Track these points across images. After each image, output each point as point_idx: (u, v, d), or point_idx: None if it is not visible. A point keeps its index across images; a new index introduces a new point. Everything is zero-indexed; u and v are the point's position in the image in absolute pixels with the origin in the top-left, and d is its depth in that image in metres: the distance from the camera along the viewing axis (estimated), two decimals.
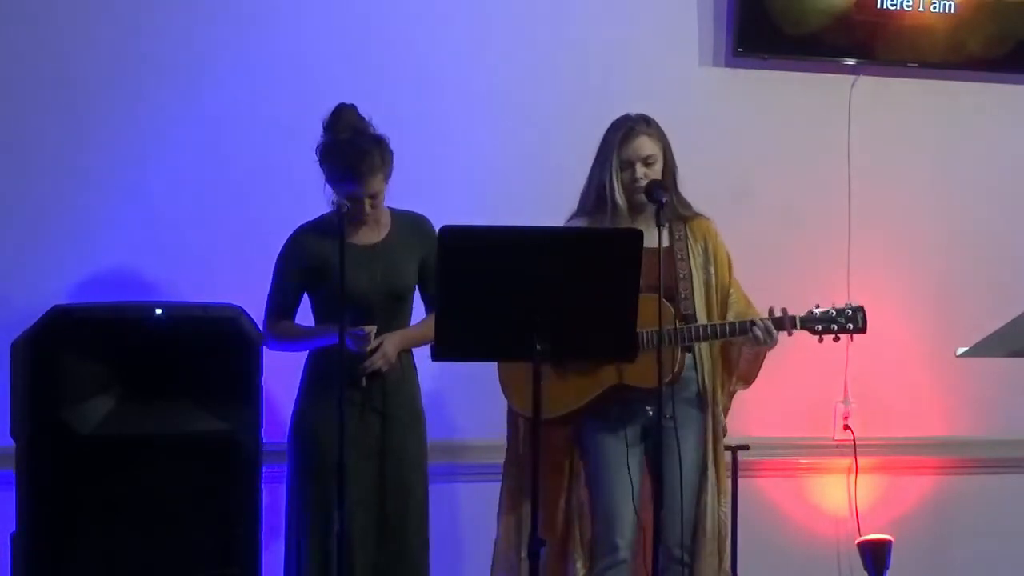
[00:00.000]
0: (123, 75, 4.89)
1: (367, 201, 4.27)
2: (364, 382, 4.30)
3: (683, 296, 4.37)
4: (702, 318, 4.37)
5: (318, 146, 4.30)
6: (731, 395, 4.51)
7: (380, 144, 4.29)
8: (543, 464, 4.33)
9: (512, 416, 4.48)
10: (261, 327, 4.35)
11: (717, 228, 4.49)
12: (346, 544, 4.13)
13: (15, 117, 4.83)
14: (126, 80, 4.89)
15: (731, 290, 4.45)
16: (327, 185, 4.30)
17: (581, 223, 4.41)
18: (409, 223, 4.44)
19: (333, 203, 4.18)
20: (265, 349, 4.34)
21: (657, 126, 4.42)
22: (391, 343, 4.31)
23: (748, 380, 4.49)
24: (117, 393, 4.12)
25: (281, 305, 4.39)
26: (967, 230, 5.53)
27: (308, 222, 4.40)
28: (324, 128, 4.31)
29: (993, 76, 5.51)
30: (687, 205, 4.47)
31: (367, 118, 4.32)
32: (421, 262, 4.40)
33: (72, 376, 4.06)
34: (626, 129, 4.39)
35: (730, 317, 4.39)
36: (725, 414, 4.49)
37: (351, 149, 4.24)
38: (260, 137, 4.91)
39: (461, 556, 5.05)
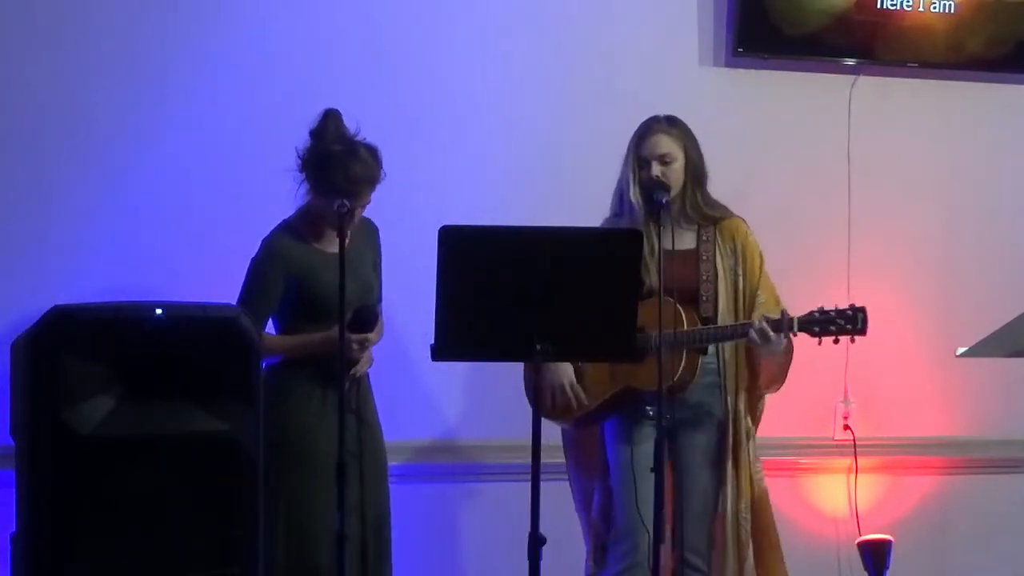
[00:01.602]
0: (122, 75, 4.90)
1: (358, 211, 4.26)
2: (347, 385, 4.29)
3: (704, 299, 4.36)
4: (726, 320, 4.36)
5: (305, 151, 4.27)
6: (760, 398, 4.48)
7: (376, 155, 4.27)
8: (581, 463, 4.36)
9: (563, 433, 4.50)
10: None
11: (748, 227, 4.47)
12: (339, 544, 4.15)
13: (14, 118, 4.83)
14: (125, 79, 4.90)
15: (759, 291, 4.42)
16: (303, 190, 4.29)
17: (607, 225, 4.42)
18: (363, 226, 4.43)
19: (332, 208, 4.16)
20: None
21: (681, 127, 4.41)
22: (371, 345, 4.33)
23: (778, 382, 4.46)
24: (117, 393, 4.12)
25: (264, 315, 4.34)
26: (967, 230, 5.53)
27: (281, 228, 4.36)
28: (313, 136, 4.27)
29: (993, 76, 5.51)
30: (716, 206, 4.45)
31: (356, 127, 4.28)
32: (372, 264, 4.43)
33: (72, 376, 4.05)
34: (644, 128, 4.40)
35: (755, 318, 4.37)
36: (755, 418, 4.47)
37: (347, 160, 4.21)
38: (263, 137, 4.90)
39: (458, 557, 5.05)
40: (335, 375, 4.18)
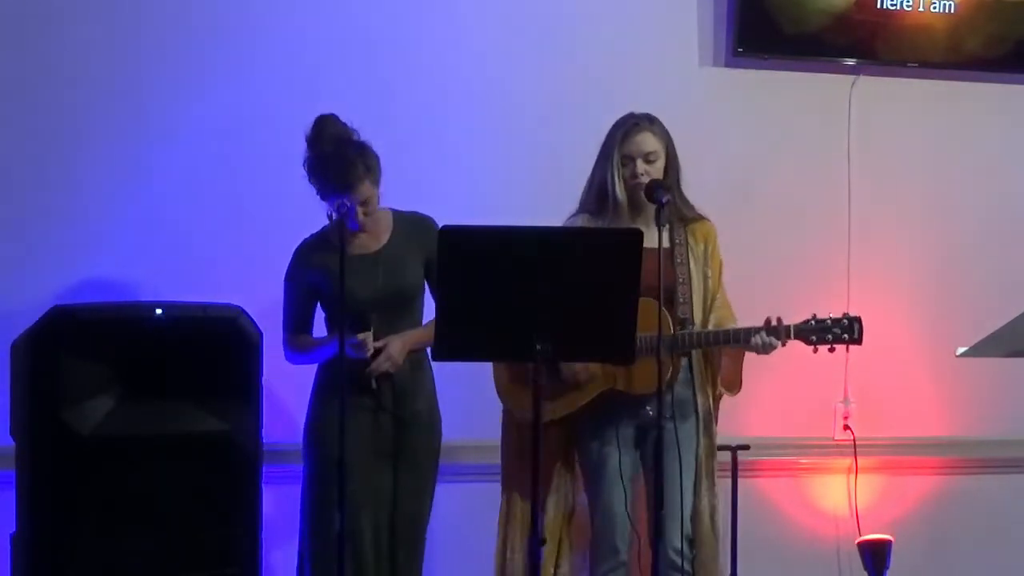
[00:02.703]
0: (124, 76, 4.90)
1: (360, 209, 4.28)
2: (375, 384, 4.32)
3: (681, 300, 4.35)
4: (699, 322, 4.36)
5: (304, 161, 4.31)
6: (719, 398, 4.48)
7: (363, 151, 4.30)
8: (544, 464, 4.34)
9: (508, 419, 4.48)
10: (282, 345, 4.41)
11: (717, 232, 4.48)
12: (357, 543, 4.16)
13: (14, 119, 4.83)
14: (126, 81, 4.90)
15: (718, 295, 4.43)
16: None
17: (580, 222, 4.40)
18: (411, 225, 4.45)
19: (333, 210, 4.20)
20: (286, 360, 4.43)
21: (661, 125, 4.41)
22: (395, 345, 4.33)
23: (731, 387, 4.45)
24: (117, 393, 4.12)
25: (295, 320, 4.44)
26: (967, 230, 5.53)
27: (309, 236, 4.43)
28: (307, 143, 4.31)
29: (993, 76, 5.51)
30: (690, 206, 4.45)
31: (350, 124, 4.31)
32: (426, 262, 4.41)
33: (72, 376, 4.06)
34: (629, 125, 4.38)
35: (711, 322, 4.38)
36: (715, 420, 4.48)
37: (334, 162, 4.25)
38: (261, 138, 4.91)
39: (455, 557, 5.04)
40: (362, 379, 4.26)
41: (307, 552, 4.33)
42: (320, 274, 4.35)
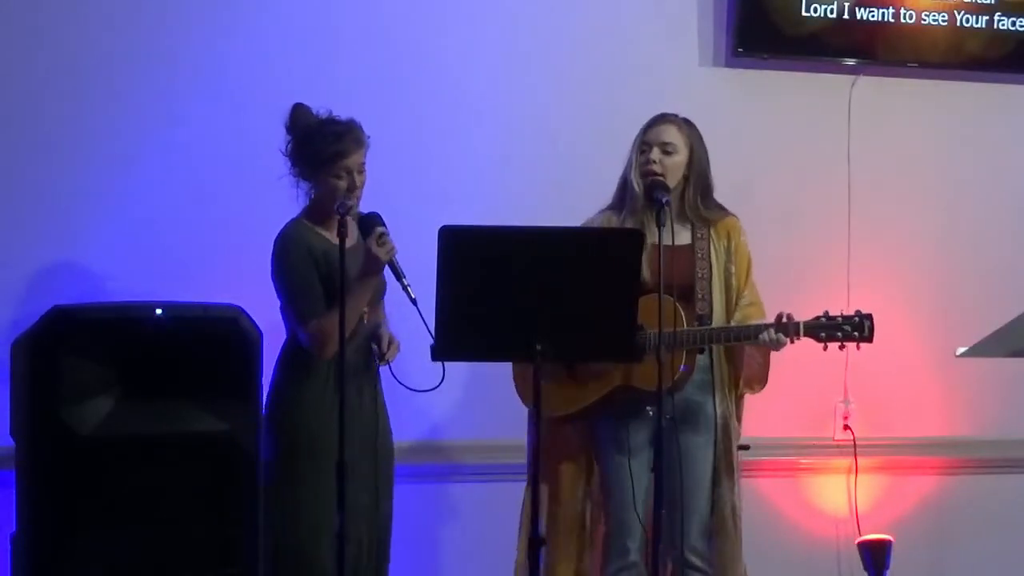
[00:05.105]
0: (122, 75, 4.90)
1: (358, 177, 4.24)
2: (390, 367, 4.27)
3: (700, 296, 4.35)
4: (720, 319, 4.35)
5: (287, 146, 4.28)
6: (741, 397, 4.48)
7: (352, 120, 4.27)
8: (561, 461, 4.36)
9: (532, 418, 4.48)
10: (304, 337, 4.20)
11: (742, 227, 4.47)
12: (347, 541, 4.15)
13: (11, 118, 4.83)
14: (125, 79, 4.90)
15: (745, 291, 4.43)
16: (303, 185, 4.30)
17: (600, 220, 4.41)
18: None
19: (337, 208, 4.18)
20: (319, 355, 4.20)
21: (691, 126, 4.42)
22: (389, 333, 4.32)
23: (760, 382, 4.46)
24: (117, 393, 4.12)
25: (316, 299, 4.20)
26: (967, 230, 5.53)
27: (295, 220, 4.32)
28: (289, 128, 4.29)
29: (993, 76, 5.51)
30: (714, 208, 4.44)
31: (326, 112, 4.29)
32: None
33: (72, 376, 4.06)
34: (656, 118, 4.41)
35: (735, 319, 4.38)
36: (738, 418, 4.47)
37: (332, 127, 4.22)
38: (264, 137, 4.89)
39: (439, 559, 5.04)
40: (353, 374, 4.17)
41: (288, 550, 4.30)
42: (321, 255, 4.27)
